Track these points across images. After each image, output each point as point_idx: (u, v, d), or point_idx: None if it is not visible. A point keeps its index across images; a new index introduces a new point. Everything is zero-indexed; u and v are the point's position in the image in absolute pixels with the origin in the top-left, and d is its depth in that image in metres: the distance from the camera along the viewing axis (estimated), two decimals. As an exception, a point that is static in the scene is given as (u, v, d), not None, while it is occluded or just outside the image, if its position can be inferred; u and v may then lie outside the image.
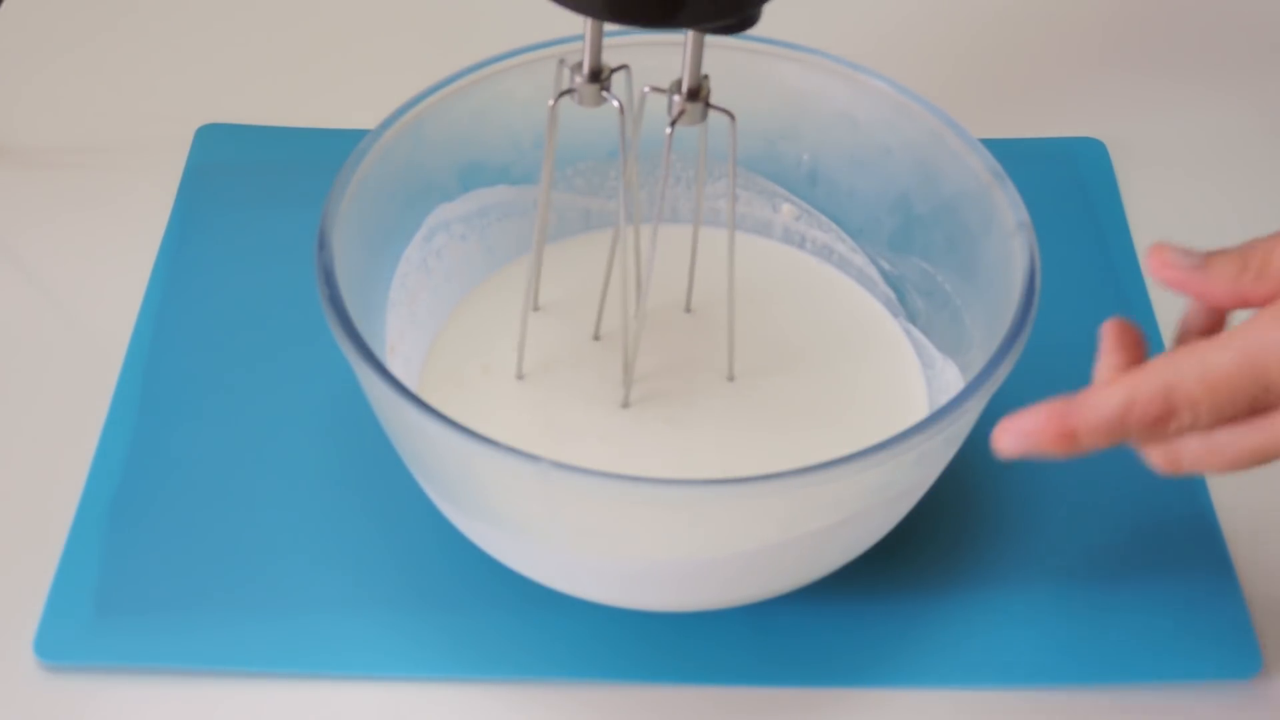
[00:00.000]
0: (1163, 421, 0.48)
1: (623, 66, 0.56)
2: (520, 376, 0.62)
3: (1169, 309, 0.71)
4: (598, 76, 0.55)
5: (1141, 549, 0.62)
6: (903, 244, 0.66)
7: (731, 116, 0.56)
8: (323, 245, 0.56)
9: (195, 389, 0.67)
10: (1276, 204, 0.77)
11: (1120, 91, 0.84)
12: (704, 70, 0.55)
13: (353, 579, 0.60)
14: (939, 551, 0.61)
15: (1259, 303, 0.49)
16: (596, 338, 0.64)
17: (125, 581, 0.60)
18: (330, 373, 0.64)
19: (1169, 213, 0.76)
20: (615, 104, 0.56)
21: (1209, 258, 0.50)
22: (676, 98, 0.55)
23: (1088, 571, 0.61)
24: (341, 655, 0.58)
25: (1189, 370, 0.48)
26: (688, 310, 0.66)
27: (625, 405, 0.61)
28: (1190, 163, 0.79)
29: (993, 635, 0.59)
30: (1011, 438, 0.49)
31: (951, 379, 0.62)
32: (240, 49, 0.86)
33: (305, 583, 0.60)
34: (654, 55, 0.58)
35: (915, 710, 0.58)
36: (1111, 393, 0.48)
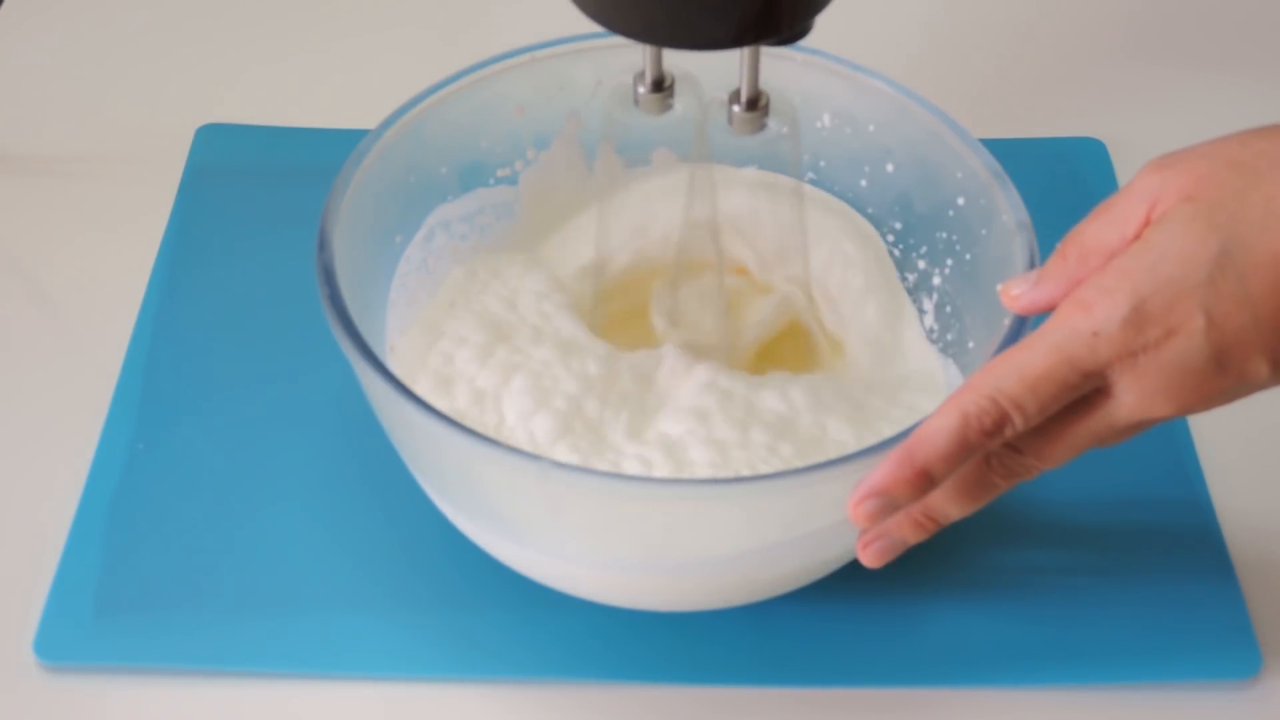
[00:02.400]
0: (998, 428, 0.49)
1: (688, 77, 0.58)
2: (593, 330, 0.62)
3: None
4: (660, 87, 0.57)
5: (1141, 549, 0.62)
6: (903, 244, 0.66)
7: (791, 127, 0.57)
8: (323, 245, 0.56)
9: (195, 389, 0.67)
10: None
11: (1120, 91, 0.84)
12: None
13: (353, 579, 0.60)
14: (938, 551, 0.61)
15: None
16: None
17: (125, 581, 0.60)
18: (330, 373, 0.64)
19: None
20: (677, 111, 0.58)
21: (1041, 270, 0.52)
22: (736, 107, 0.56)
23: (1088, 571, 0.61)
24: (341, 655, 0.58)
25: (1007, 375, 0.49)
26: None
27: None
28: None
29: (992, 635, 0.59)
30: (868, 503, 0.50)
31: (952, 379, 0.62)
32: (240, 49, 0.86)
33: (305, 583, 0.60)
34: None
35: (915, 710, 0.58)
36: (943, 417, 0.49)
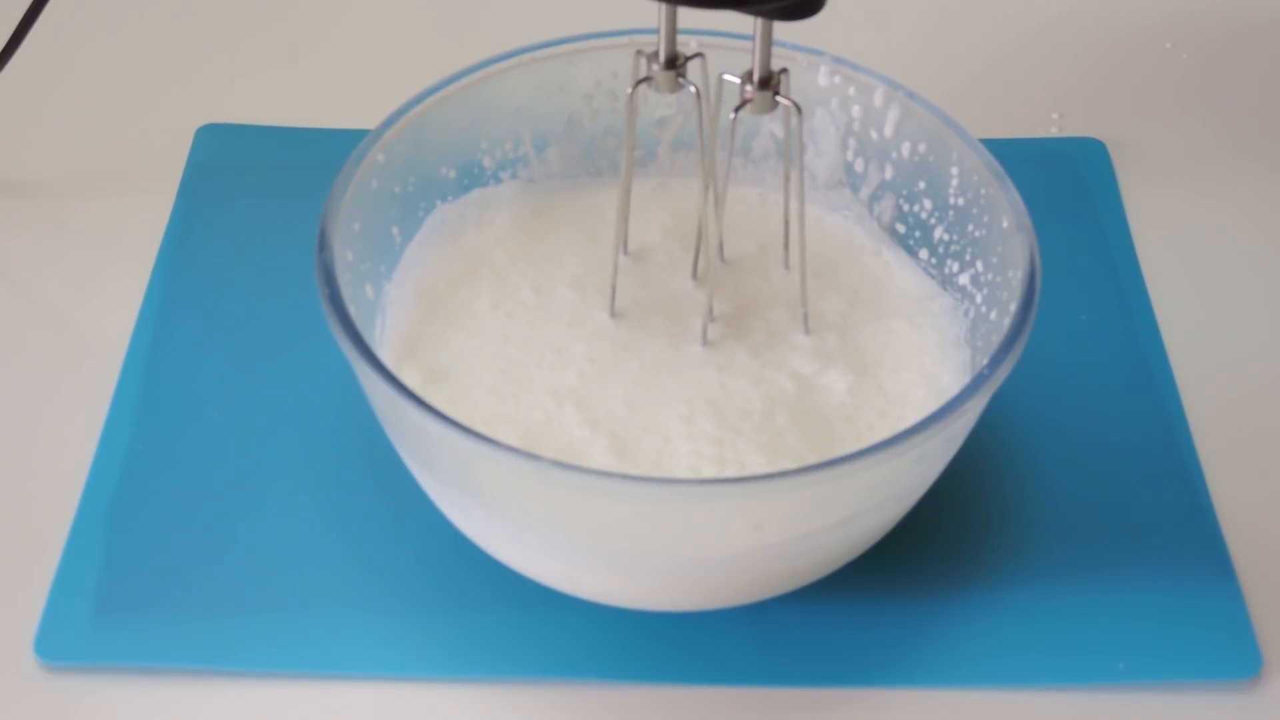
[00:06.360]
0: None
1: (698, 55, 0.58)
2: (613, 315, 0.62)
3: (1169, 309, 0.71)
4: (674, 64, 0.57)
5: (1141, 549, 0.62)
6: (902, 246, 0.65)
7: (799, 110, 0.57)
8: (323, 245, 0.56)
9: (195, 389, 0.67)
10: (1278, 203, 0.77)
11: (1120, 92, 0.84)
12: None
13: (353, 579, 0.60)
14: (939, 551, 0.61)
15: None
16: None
17: (125, 581, 0.60)
18: (330, 373, 0.64)
19: (1169, 213, 0.76)
20: (692, 90, 0.58)
21: None
22: (748, 86, 0.56)
23: (1088, 571, 0.61)
24: (341, 655, 0.58)
25: None
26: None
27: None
28: (1191, 163, 0.79)
29: (993, 635, 0.59)
30: None
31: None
32: (240, 49, 0.86)
33: (305, 583, 0.60)
34: (729, 53, 0.60)
35: (915, 710, 0.58)
36: None
